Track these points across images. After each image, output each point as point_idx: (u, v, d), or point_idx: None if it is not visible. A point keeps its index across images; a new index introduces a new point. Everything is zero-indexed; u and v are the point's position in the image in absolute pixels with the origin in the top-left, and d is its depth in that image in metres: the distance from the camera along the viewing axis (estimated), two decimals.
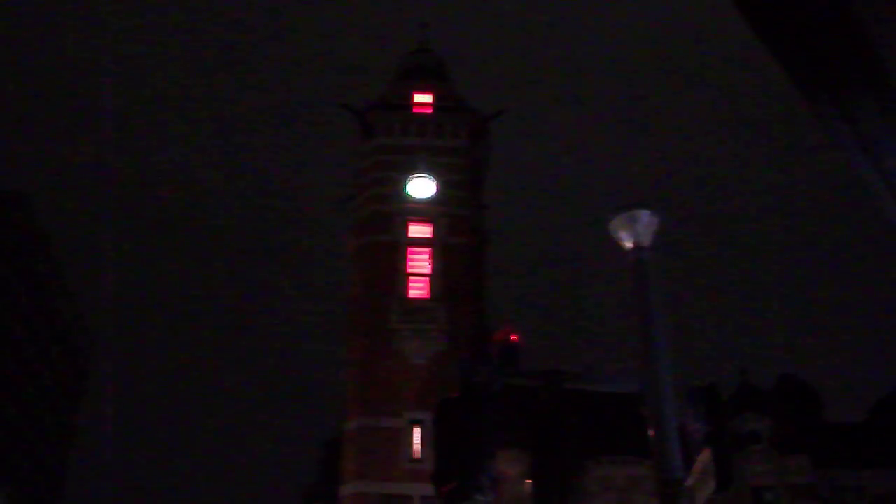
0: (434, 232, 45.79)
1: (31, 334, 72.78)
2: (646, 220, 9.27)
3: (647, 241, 9.27)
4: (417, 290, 44.31)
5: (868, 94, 2.75)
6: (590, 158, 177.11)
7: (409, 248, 45.31)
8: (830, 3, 2.65)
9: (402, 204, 46.48)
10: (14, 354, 69.47)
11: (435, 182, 46.86)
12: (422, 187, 46.87)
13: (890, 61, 2.65)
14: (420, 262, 44.94)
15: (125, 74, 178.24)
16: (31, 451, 73.96)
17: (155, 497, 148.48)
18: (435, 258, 44.99)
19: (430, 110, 50.07)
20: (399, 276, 44.47)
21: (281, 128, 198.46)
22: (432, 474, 9.15)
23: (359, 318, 44.16)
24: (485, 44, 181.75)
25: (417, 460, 38.84)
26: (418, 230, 45.94)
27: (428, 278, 44.50)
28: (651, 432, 8.59)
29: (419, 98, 50.78)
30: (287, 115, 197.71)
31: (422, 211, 46.31)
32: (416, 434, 39.85)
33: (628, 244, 9.29)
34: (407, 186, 46.80)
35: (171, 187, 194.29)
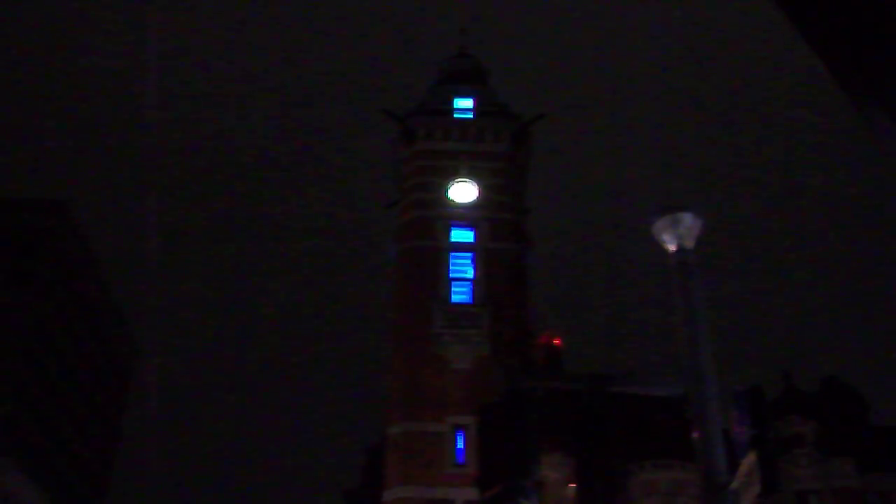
0: (476, 236, 45.73)
1: (74, 341, 73.41)
2: (689, 223, 9.25)
3: (690, 243, 9.24)
4: (460, 294, 44.24)
5: None
6: (632, 161, 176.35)
7: (452, 253, 45.27)
8: None
9: (445, 209, 46.47)
10: (58, 362, 70.13)
11: (477, 187, 46.84)
12: (464, 192, 46.84)
13: None
14: (462, 267, 44.87)
15: (169, 80, 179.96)
16: (76, 456, 74.64)
17: (197, 499, 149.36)
18: (477, 263, 44.90)
19: (471, 115, 50.07)
20: (442, 281, 44.41)
21: (322, 133, 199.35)
22: (476, 479, 9.16)
23: (402, 324, 44.19)
24: (525, 47, 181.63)
25: (461, 465, 38.77)
26: (461, 235, 45.91)
27: (471, 283, 44.42)
28: (695, 435, 8.57)
29: (460, 103, 50.81)
30: (328, 121, 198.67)
31: (464, 216, 46.26)
32: (460, 439, 39.80)
33: (671, 246, 9.26)
34: (449, 191, 46.80)
35: (213, 195, 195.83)
